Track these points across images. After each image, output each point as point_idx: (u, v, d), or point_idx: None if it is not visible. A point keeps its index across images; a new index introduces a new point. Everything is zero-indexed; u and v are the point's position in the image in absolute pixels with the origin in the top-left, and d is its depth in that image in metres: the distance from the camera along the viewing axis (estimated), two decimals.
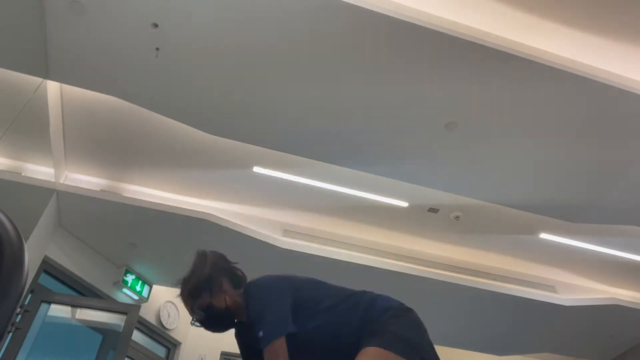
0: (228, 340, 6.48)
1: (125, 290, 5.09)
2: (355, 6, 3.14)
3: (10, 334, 3.98)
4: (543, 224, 5.16)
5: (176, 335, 5.81)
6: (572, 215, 4.71)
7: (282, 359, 1.45)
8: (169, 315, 5.70)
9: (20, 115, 3.85)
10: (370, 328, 1.50)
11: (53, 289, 4.50)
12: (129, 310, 4.65)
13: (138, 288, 5.21)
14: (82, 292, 4.77)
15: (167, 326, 5.64)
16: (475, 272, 5.57)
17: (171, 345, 5.81)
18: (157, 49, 3.41)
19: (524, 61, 3.40)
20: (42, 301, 4.31)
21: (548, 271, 5.93)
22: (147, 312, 5.36)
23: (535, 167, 4.25)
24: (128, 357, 4.74)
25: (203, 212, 4.63)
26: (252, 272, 1.76)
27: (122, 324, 4.53)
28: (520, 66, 3.44)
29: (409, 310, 1.59)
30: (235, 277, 1.72)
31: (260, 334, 1.49)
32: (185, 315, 6.04)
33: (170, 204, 4.69)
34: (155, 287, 5.48)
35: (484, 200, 4.63)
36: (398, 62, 3.51)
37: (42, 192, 4.20)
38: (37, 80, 3.71)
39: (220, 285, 1.65)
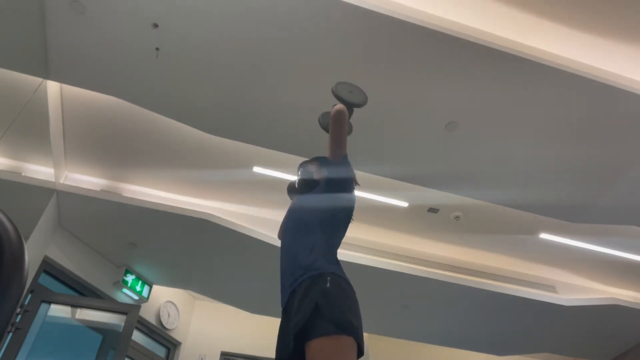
0: (228, 340, 6.45)
1: (125, 290, 5.09)
2: (356, 6, 3.15)
3: (10, 334, 3.98)
4: (543, 224, 5.16)
5: (176, 335, 5.81)
6: (572, 215, 4.71)
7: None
8: (169, 315, 5.70)
9: (20, 115, 3.85)
10: None
11: (53, 289, 4.50)
12: (129, 310, 4.65)
13: (138, 288, 5.21)
14: (82, 292, 4.77)
15: (167, 326, 5.64)
16: (475, 272, 5.57)
17: (171, 345, 5.81)
18: (157, 49, 3.41)
19: (524, 61, 3.41)
20: (42, 301, 4.31)
21: (548, 271, 5.94)
22: (147, 312, 5.36)
23: (535, 167, 4.24)
24: (128, 357, 4.74)
25: (203, 212, 4.63)
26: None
27: (122, 324, 4.53)
28: (520, 66, 3.44)
29: None
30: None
31: None
32: (185, 315, 6.05)
33: (170, 204, 4.69)
34: (155, 287, 5.48)
35: (484, 200, 4.63)
36: (398, 62, 3.51)
37: (42, 192, 4.20)
38: (37, 80, 3.71)
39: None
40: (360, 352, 1.47)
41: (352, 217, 1.95)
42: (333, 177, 1.92)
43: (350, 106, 2.09)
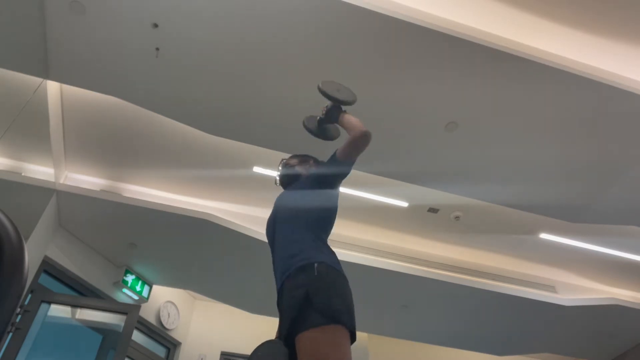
0: (228, 340, 6.44)
1: (125, 290, 5.09)
2: (355, 6, 3.15)
3: (10, 334, 3.98)
4: (543, 224, 5.16)
5: (176, 335, 5.81)
6: (572, 215, 4.71)
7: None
8: (169, 315, 5.70)
9: (20, 115, 3.85)
10: None
11: (53, 289, 4.50)
12: (129, 310, 4.65)
13: (138, 288, 5.22)
14: (82, 292, 4.77)
15: (167, 326, 5.64)
16: (475, 272, 5.57)
17: (171, 345, 5.81)
18: (157, 49, 3.41)
19: (524, 61, 3.41)
20: (42, 301, 4.31)
21: (548, 271, 5.94)
22: (147, 312, 5.36)
23: (535, 167, 4.25)
24: (128, 357, 4.74)
25: (203, 212, 4.64)
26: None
27: (122, 324, 4.53)
28: (520, 66, 3.44)
29: None
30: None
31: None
32: (185, 315, 6.05)
33: (170, 204, 4.69)
34: (155, 287, 5.49)
35: (484, 200, 4.63)
36: (398, 62, 3.51)
37: (42, 192, 4.20)
38: (37, 80, 3.71)
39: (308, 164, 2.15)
40: (353, 338, 1.47)
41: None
42: (328, 173, 1.93)
43: (339, 103, 2.06)
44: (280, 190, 2.16)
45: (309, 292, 1.46)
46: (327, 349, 1.39)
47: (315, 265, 1.55)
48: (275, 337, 1.64)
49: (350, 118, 1.98)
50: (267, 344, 1.57)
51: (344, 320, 1.44)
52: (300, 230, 1.74)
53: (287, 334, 1.46)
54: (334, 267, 1.60)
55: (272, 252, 1.83)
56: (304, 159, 2.17)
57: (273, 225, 1.90)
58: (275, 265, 1.76)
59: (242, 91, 3.74)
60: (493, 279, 5.57)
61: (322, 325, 1.41)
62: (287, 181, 2.14)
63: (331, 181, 1.95)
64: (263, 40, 3.37)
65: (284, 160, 2.21)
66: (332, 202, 1.93)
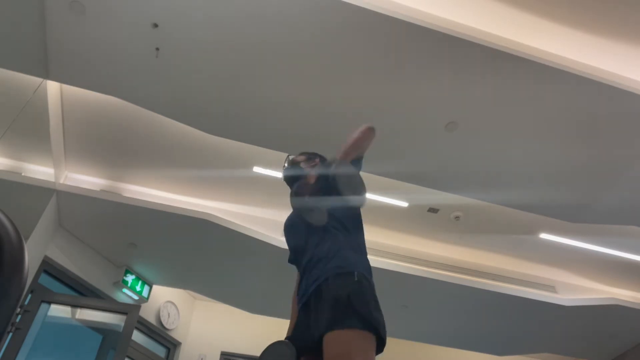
0: (228, 340, 6.44)
1: (125, 290, 5.09)
2: (355, 6, 3.14)
3: (10, 334, 3.99)
4: (543, 224, 5.16)
5: (176, 335, 5.81)
6: (572, 215, 4.71)
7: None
8: (169, 315, 5.70)
9: (20, 115, 3.85)
10: None
11: (53, 289, 4.50)
12: (129, 310, 4.66)
13: (138, 288, 5.22)
14: (82, 292, 4.77)
15: (167, 326, 5.64)
16: (475, 272, 5.57)
17: (171, 345, 5.81)
18: (157, 49, 3.41)
19: (524, 61, 3.40)
20: (42, 301, 4.31)
21: (548, 271, 5.94)
22: (147, 312, 5.36)
23: (535, 167, 4.24)
24: (128, 357, 4.74)
25: (203, 212, 4.64)
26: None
27: (122, 324, 4.53)
28: (520, 66, 3.44)
29: None
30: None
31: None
32: (185, 315, 6.05)
33: (170, 204, 4.69)
34: (155, 287, 5.49)
35: (484, 200, 4.63)
36: (398, 62, 3.51)
37: (42, 192, 4.20)
38: (37, 80, 3.71)
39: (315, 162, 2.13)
40: (380, 349, 1.47)
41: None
42: (343, 174, 1.90)
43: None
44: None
45: (351, 296, 1.46)
46: (356, 353, 1.39)
47: (355, 273, 1.56)
48: (286, 338, 1.63)
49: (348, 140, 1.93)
50: (277, 345, 1.56)
51: (380, 330, 1.44)
52: (338, 235, 1.73)
53: (321, 334, 1.44)
54: (368, 279, 1.61)
55: (301, 255, 1.78)
56: (310, 157, 2.14)
57: (306, 228, 1.82)
58: (304, 268, 1.72)
59: (242, 91, 3.74)
60: (493, 279, 5.57)
61: (358, 329, 1.41)
62: (294, 181, 2.09)
63: (351, 182, 1.92)
64: (263, 40, 3.37)
65: (291, 158, 2.18)
66: (360, 205, 1.94)
